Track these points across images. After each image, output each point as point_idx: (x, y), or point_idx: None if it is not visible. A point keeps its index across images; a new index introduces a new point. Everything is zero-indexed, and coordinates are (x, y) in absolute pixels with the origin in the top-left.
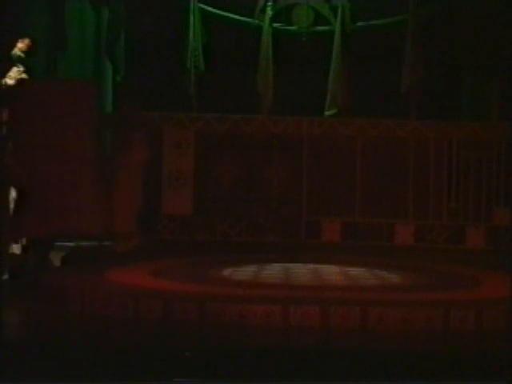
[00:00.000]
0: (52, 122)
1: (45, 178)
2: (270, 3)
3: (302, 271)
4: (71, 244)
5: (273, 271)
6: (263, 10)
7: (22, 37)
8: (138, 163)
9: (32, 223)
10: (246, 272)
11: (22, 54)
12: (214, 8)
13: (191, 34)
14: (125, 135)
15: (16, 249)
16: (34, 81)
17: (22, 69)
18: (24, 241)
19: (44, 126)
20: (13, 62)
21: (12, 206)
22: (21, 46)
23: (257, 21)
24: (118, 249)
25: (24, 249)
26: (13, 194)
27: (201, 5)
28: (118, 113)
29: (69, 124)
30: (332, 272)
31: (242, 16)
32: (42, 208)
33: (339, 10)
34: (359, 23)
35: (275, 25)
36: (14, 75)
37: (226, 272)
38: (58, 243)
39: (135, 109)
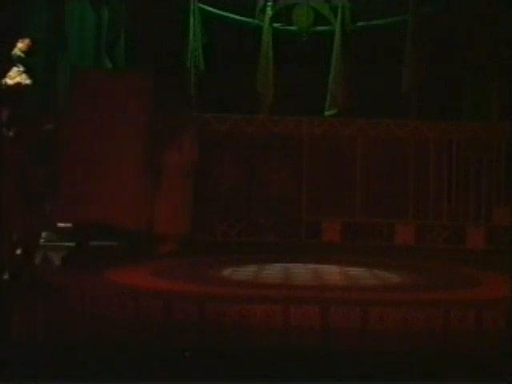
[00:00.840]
0: (105, 112)
1: (92, 165)
2: (269, 3)
3: (302, 271)
4: (71, 244)
5: (273, 271)
6: (263, 10)
7: (21, 37)
8: (190, 165)
9: (74, 209)
10: (245, 272)
11: (22, 54)
12: (214, 8)
13: (191, 34)
14: (176, 136)
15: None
16: (94, 69)
17: (21, 69)
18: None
19: (97, 116)
20: (13, 61)
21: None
22: (21, 46)
23: (257, 21)
24: (160, 250)
25: (24, 249)
26: None
27: (201, 5)
28: (169, 113)
29: (122, 116)
30: (332, 272)
31: (242, 16)
32: (85, 195)
33: (339, 10)
34: (359, 23)
35: (275, 25)
36: (14, 75)
37: (226, 272)
38: (59, 243)
39: (186, 110)
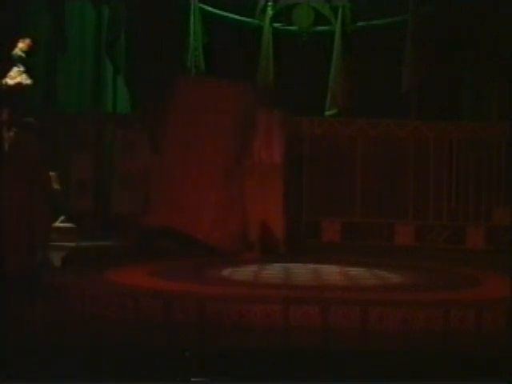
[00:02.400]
0: (204, 120)
1: (185, 172)
2: (270, 3)
3: (302, 271)
4: (71, 244)
5: (273, 271)
6: (264, 10)
7: (22, 37)
8: (280, 165)
9: (164, 215)
10: (245, 272)
11: (23, 54)
12: (215, 8)
13: (192, 34)
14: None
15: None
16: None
17: (22, 69)
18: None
19: (198, 123)
20: (13, 61)
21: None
22: (21, 45)
23: (257, 21)
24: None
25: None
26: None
27: (201, 5)
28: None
29: (219, 124)
30: (332, 272)
31: (242, 16)
32: (178, 202)
33: (339, 10)
34: (359, 23)
35: (276, 25)
36: (14, 75)
37: (226, 272)
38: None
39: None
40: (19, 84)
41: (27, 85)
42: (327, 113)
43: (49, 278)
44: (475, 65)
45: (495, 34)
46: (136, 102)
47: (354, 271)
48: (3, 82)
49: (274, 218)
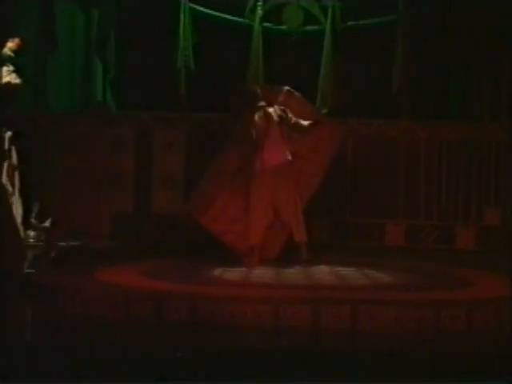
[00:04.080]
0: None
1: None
2: (260, 3)
3: (293, 271)
4: (63, 244)
5: (264, 271)
6: (253, 10)
7: (11, 36)
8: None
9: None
10: (236, 272)
11: (12, 54)
12: (205, 8)
13: (181, 34)
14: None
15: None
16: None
17: (11, 68)
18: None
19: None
20: (2, 61)
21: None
22: (11, 45)
23: (247, 20)
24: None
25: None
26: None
27: (191, 4)
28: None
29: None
30: (323, 272)
31: (232, 16)
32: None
33: (329, 10)
34: (349, 23)
35: (265, 24)
36: (3, 74)
37: (217, 272)
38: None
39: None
40: (8, 83)
41: (16, 84)
42: None
43: (41, 279)
44: (466, 64)
45: (486, 33)
46: (125, 102)
47: (345, 271)
48: None
49: (294, 221)
